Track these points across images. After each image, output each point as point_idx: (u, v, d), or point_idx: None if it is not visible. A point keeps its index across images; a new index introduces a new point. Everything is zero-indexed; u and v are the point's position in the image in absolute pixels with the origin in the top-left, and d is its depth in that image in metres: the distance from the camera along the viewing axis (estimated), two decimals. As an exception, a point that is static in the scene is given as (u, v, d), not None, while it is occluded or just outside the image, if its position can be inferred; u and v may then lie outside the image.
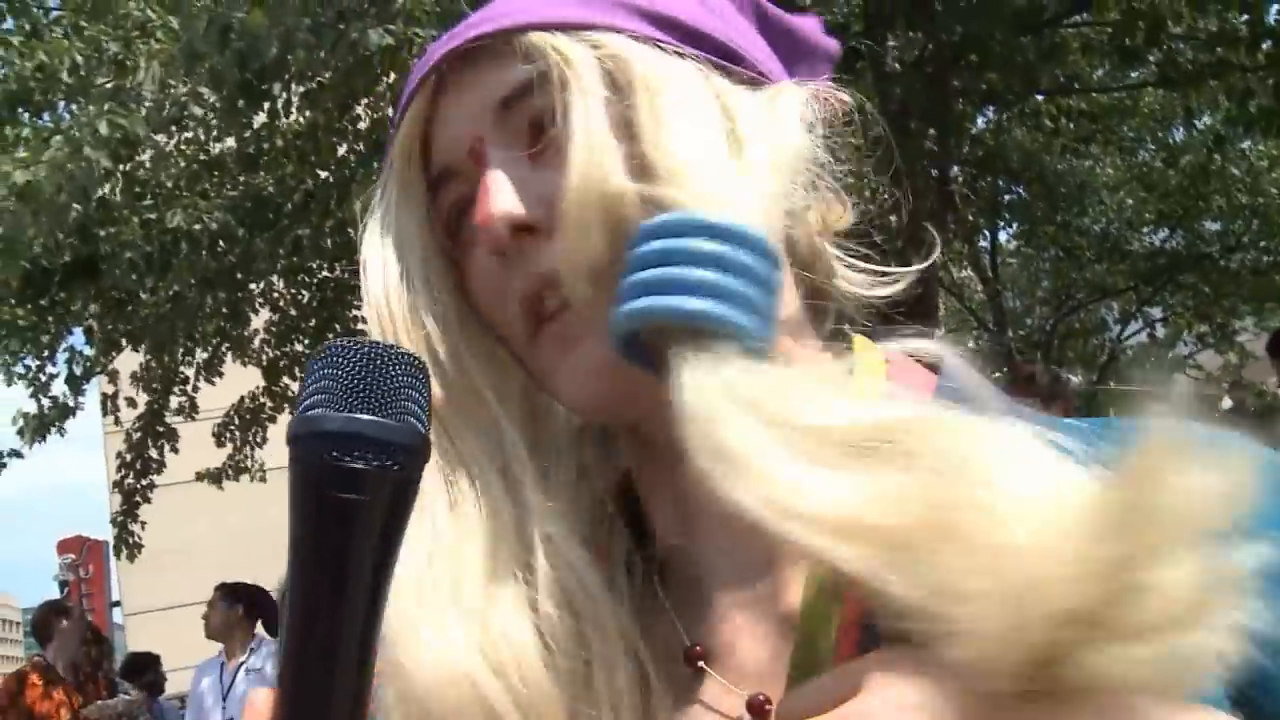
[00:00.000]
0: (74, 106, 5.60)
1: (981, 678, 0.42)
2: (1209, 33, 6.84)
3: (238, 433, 8.24)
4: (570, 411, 0.66)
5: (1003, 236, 13.34)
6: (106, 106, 4.86)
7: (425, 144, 0.65)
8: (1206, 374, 17.32)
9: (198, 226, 6.16)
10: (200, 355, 7.80)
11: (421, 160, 0.65)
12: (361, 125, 6.44)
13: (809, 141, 0.60)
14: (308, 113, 6.03)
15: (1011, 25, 6.09)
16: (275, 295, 7.86)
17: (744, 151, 0.58)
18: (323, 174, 6.50)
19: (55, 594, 13.69)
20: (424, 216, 0.65)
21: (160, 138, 5.90)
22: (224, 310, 7.27)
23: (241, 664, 5.58)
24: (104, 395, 8.09)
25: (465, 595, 0.59)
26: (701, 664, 0.60)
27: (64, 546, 14.84)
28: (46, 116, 5.91)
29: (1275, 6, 6.24)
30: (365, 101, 6.15)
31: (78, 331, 7.20)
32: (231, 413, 8.28)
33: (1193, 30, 7.01)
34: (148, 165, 6.10)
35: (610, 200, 0.56)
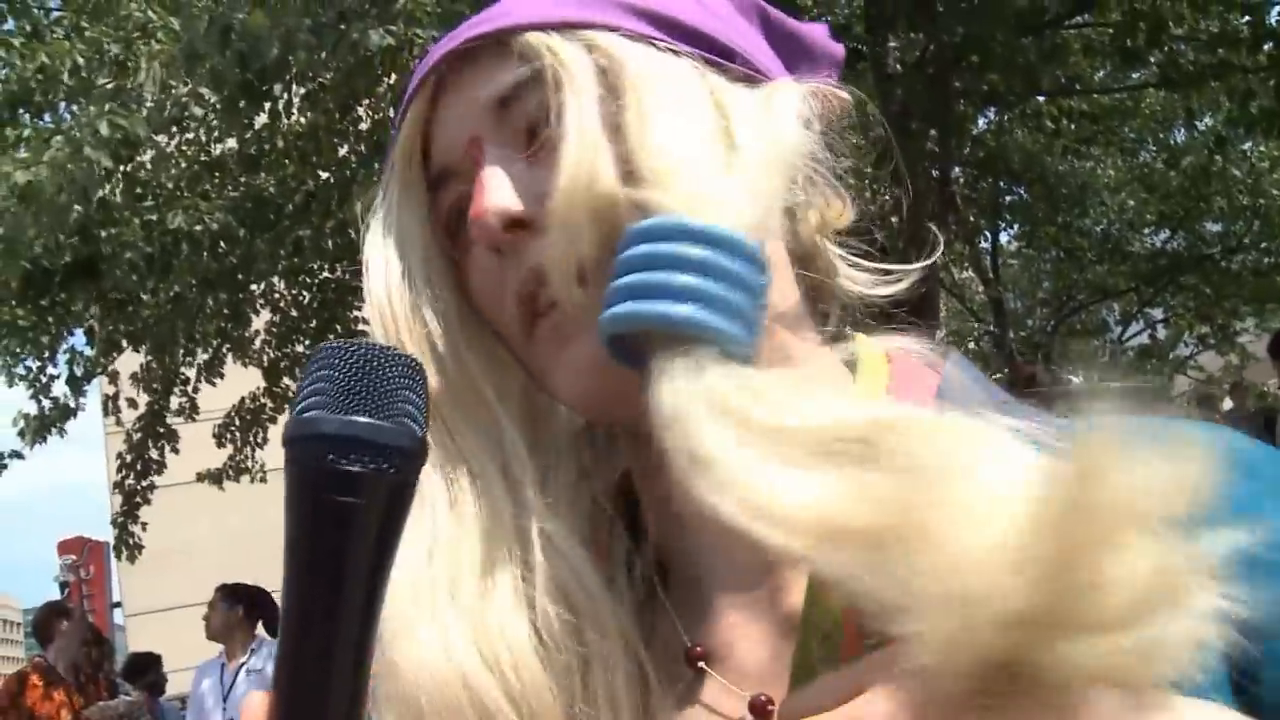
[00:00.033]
0: (75, 107, 5.61)
1: (940, 681, 0.42)
2: (1210, 34, 6.84)
3: (238, 433, 8.24)
4: (569, 410, 0.66)
5: (1004, 237, 13.36)
6: (107, 107, 4.86)
7: (426, 145, 0.65)
8: (1208, 375, 17.33)
9: (199, 227, 6.17)
10: (201, 356, 7.80)
11: (422, 161, 0.66)
12: (363, 126, 6.44)
13: (805, 138, 0.60)
14: (309, 113, 6.04)
15: (1013, 26, 6.09)
16: (276, 296, 7.87)
17: (736, 149, 0.58)
18: (324, 175, 6.50)
19: (56, 595, 13.69)
20: (425, 217, 0.65)
21: (161, 138, 5.91)
22: (225, 311, 7.27)
23: (242, 665, 5.58)
24: (105, 396, 8.09)
25: (463, 593, 0.59)
26: (702, 664, 0.60)
27: (65, 547, 14.82)
28: (47, 117, 5.91)
29: (1277, 8, 6.25)
30: (366, 102, 6.15)
31: (78, 332, 7.21)
32: (232, 413, 8.28)
33: (1194, 31, 7.01)
34: (148, 166, 6.11)
35: (599, 201, 0.56)
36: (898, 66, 6.24)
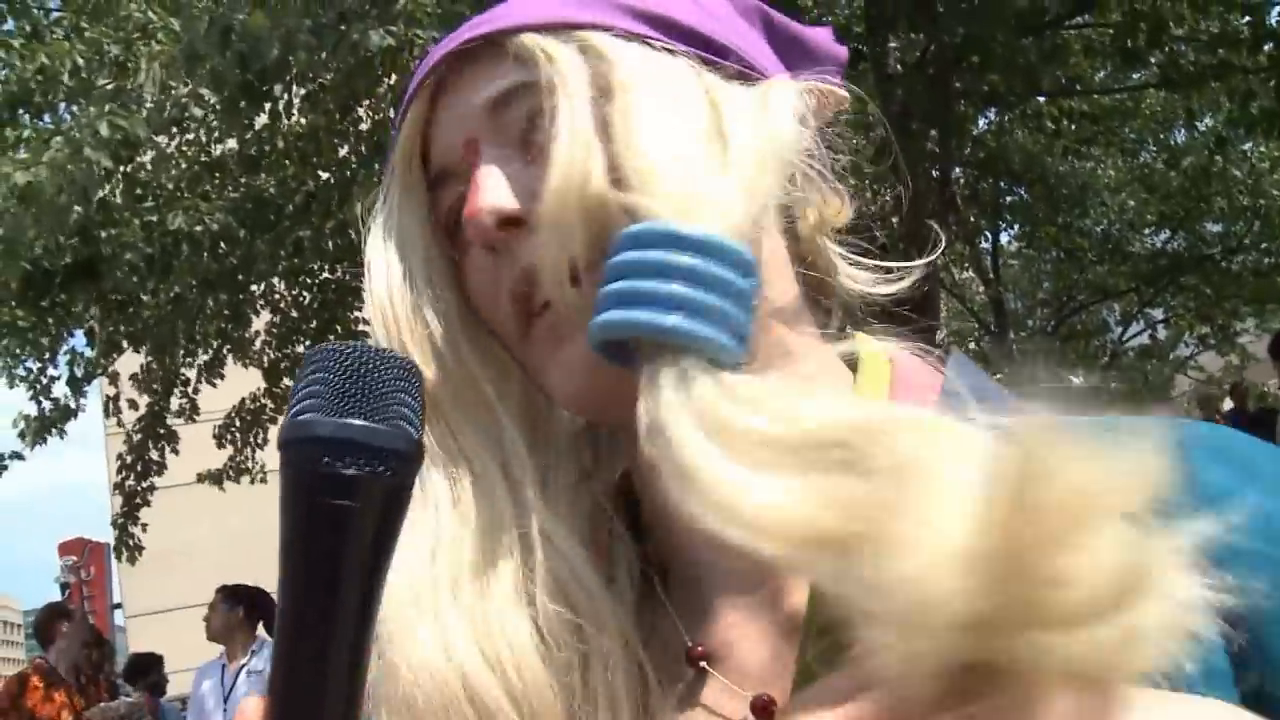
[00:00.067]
0: (75, 108, 5.61)
1: (909, 686, 0.42)
2: (1211, 34, 6.84)
3: (238, 434, 8.25)
4: (564, 409, 0.66)
5: (1004, 238, 13.36)
6: (107, 108, 4.86)
7: (425, 147, 0.66)
8: (1208, 376, 17.34)
9: (199, 228, 6.17)
10: (201, 357, 7.80)
11: (422, 163, 0.66)
12: (363, 127, 6.44)
13: (801, 134, 0.60)
14: (309, 114, 6.04)
15: (1013, 27, 6.09)
16: (276, 297, 7.87)
17: (730, 146, 0.58)
18: (324, 175, 6.51)
19: (57, 596, 13.71)
20: (425, 218, 0.66)
21: (161, 139, 5.91)
22: (225, 312, 7.27)
23: (243, 666, 5.58)
24: (106, 397, 8.09)
25: (463, 592, 0.59)
26: (704, 664, 0.60)
27: (65, 548, 14.84)
28: (47, 118, 5.91)
29: (1277, 9, 6.25)
30: (366, 103, 6.16)
31: (78, 333, 7.21)
32: (232, 414, 8.28)
33: (1194, 32, 7.01)
34: (148, 167, 6.11)
35: (590, 201, 0.56)
36: (898, 67, 6.24)
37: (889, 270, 0.69)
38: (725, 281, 0.53)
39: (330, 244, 6.61)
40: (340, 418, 0.45)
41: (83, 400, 7.25)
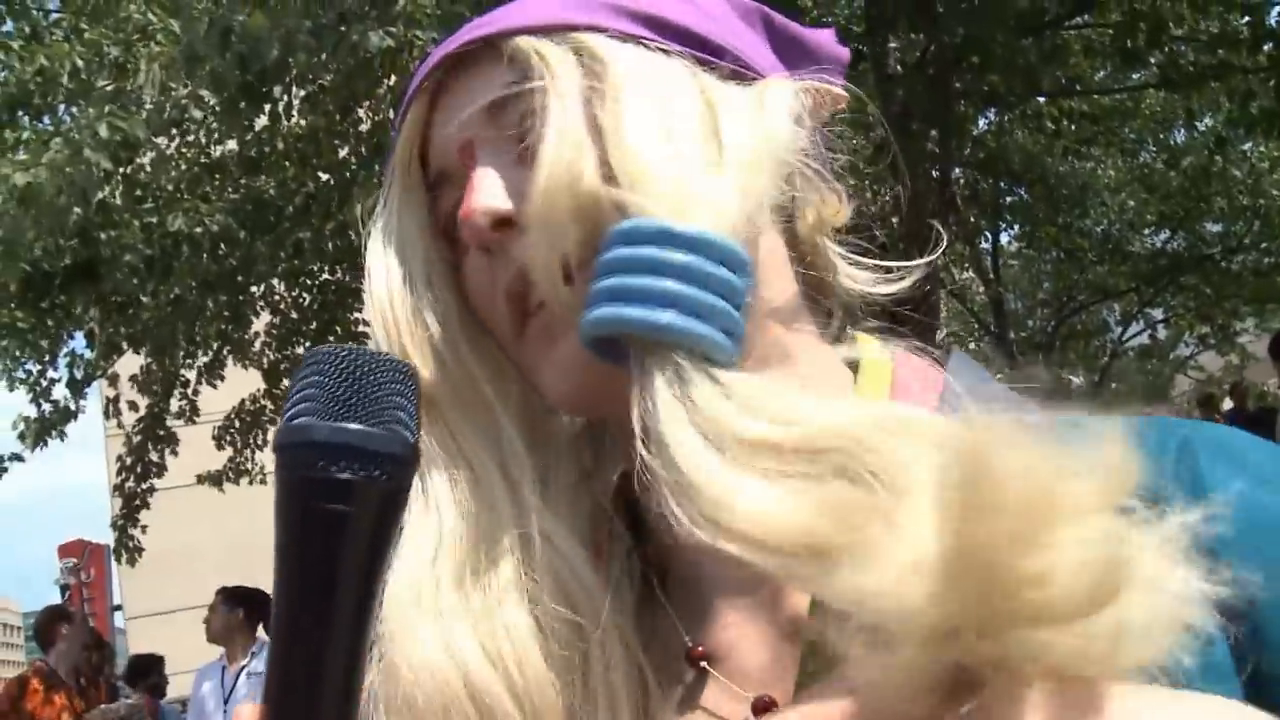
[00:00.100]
0: (74, 109, 5.61)
1: (893, 694, 0.42)
2: (1210, 34, 6.85)
3: (238, 435, 8.24)
4: (557, 408, 0.66)
5: (1004, 238, 13.37)
6: (107, 109, 4.86)
7: (425, 149, 0.66)
8: (1208, 375, 17.35)
9: (198, 229, 6.17)
10: (201, 358, 7.80)
11: (421, 165, 0.66)
12: (363, 128, 6.44)
13: (797, 133, 0.60)
14: (309, 115, 6.04)
15: (1013, 27, 6.09)
16: (276, 298, 7.87)
17: (723, 147, 0.58)
18: (324, 177, 6.51)
19: (56, 598, 13.70)
20: (425, 221, 0.66)
21: (161, 140, 5.91)
22: (225, 313, 7.27)
23: (243, 668, 5.57)
24: (106, 399, 8.09)
25: (464, 591, 0.59)
26: (704, 665, 0.60)
27: (65, 550, 14.82)
28: (47, 119, 5.91)
29: (1276, 9, 6.26)
30: (366, 104, 6.15)
31: (78, 335, 7.21)
32: (232, 415, 8.28)
33: (1194, 32, 7.02)
34: (148, 168, 6.11)
35: (581, 200, 0.57)
36: (898, 67, 6.24)
37: (889, 270, 0.69)
38: (718, 278, 0.53)
39: (330, 245, 6.61)
40: (336, 422, 0.44)
41: (82, 402, 7.26)
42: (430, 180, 0.66)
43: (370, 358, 0.47)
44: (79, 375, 7.20)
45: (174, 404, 7.96)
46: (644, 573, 0.65)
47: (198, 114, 5.46)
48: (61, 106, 5.78)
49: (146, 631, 15.88)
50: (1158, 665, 0.41)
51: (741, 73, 0.63)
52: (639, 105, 0.58)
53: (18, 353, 6.93)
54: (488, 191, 0.60)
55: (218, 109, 5.21)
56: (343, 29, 4.58)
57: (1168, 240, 13.38)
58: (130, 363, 7.76)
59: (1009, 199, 11.63)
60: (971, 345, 13.70)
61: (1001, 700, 0.41)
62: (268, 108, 5.48)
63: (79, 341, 7.26)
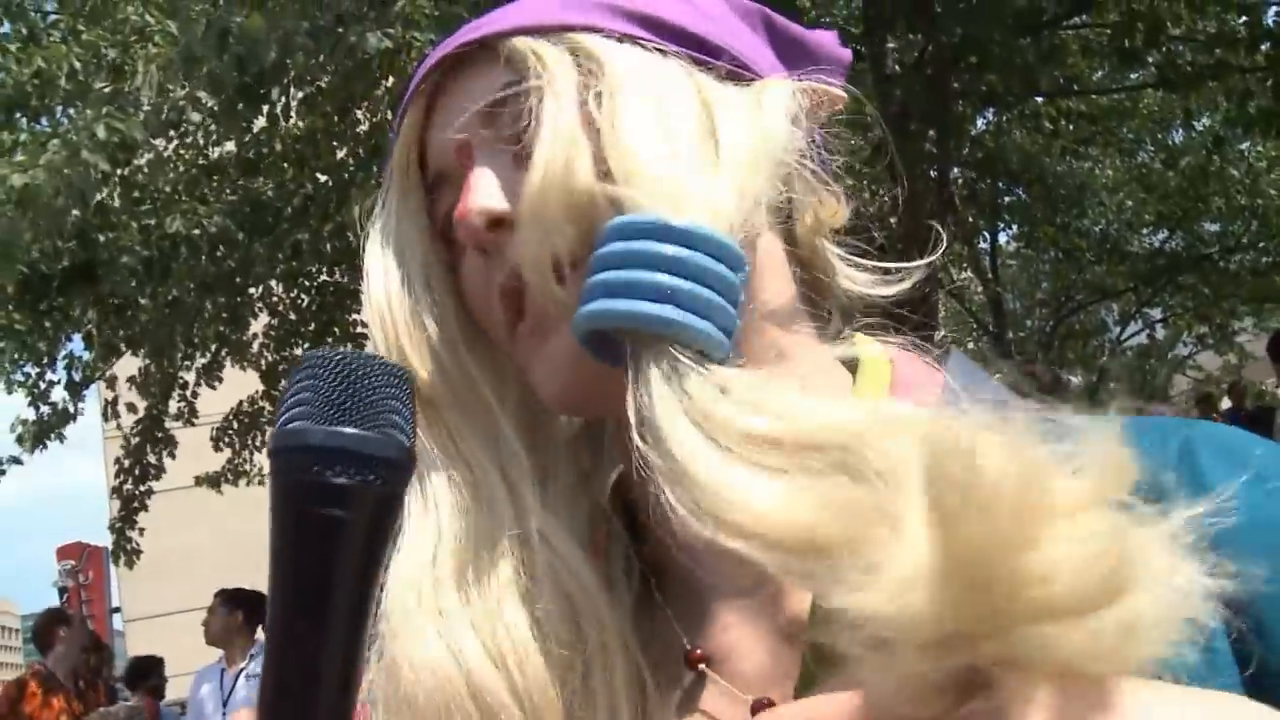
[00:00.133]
0: (71, 111, 5.61)
1: (898, 698, 0.42)
2: (1208, 34, 6.86)
3: (235, 437, 8.24)
4: (549, 406, 0.66)
5: (1002, 238, 13.38)
6: (104, 111, 4.86)
7: (423, 151, 0.66)
8: (1206, 374, 17.36)
9: (196, 231, 6.17)
10: (199, 360, 7.80)
11: (419, 167, 0.66)
12: (360, 129, 6.44)
13: (793, 134, 0.60)
14: (307, 117, 6.04)
15: (1011, 27, 6.09)
16: (274, 299, 7.87)
17: (720, 146, 0.58)
18: (322, 178, 6.51)
19: (55, 600, 13.69)
20: (423, 222, 0.66)
21: (158, 142, 5.91)
22: (223, 315, 7.27)
23: (242, 670, 5.56)
24: (105, 401, 8.09)
25: (466, 592, 0.59)
26: (703, 667, 0.60)
27: (63, 552, 14.82)
28: (44, 121, 5.91)
29: (1273, 8, 6.27)
30: (364, 105, 6.16)
31: (76, 337, 7.20)
32: (230, 417, 8.28)
33: (1192, 32, 7.03)
34: (146, 170, 6.11)
35: (575, 197, 0.56)
36: (896, 67, 6.24)
37: (888, 271, 0.69)
38: (715, 274, 0.53)
39: (328, 247, 6.61)
40: (330, 425, 0.44)
41: (81, 404, 7.25)
42: (428, 182, 0.65)
43: (365, 361, 0.47)
44: (77, 377, 7.19)
45: (172, 406, 7.95)
46: (642, 573, 0.65)
47: (195, 116, 5.45)
48: (59, 108, 5.78)
49: (145, 634, 15.87)
50: (1162, 660, 0.41)
51: (739, 73, 0.63)
52: (635, 104, 0.58)
53: (16, 355, 6.92)
54: (484, 192, 0.60)
55: (215, 110, 5.21)
56: (340, 30, 4.58)
57: (1166, 240, 13.40)
58: (128, 365, 7.76)
59: (1007, 199, 11.64)
60: (970, 345, 13.71)
61: (1013, 700, 0.41)
62: (265, 109, 5.48)
63: (77, 344, 7.27)
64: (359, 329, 7.29)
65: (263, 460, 8.31)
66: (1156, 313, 15.25)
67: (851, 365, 0.66)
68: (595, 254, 0.55)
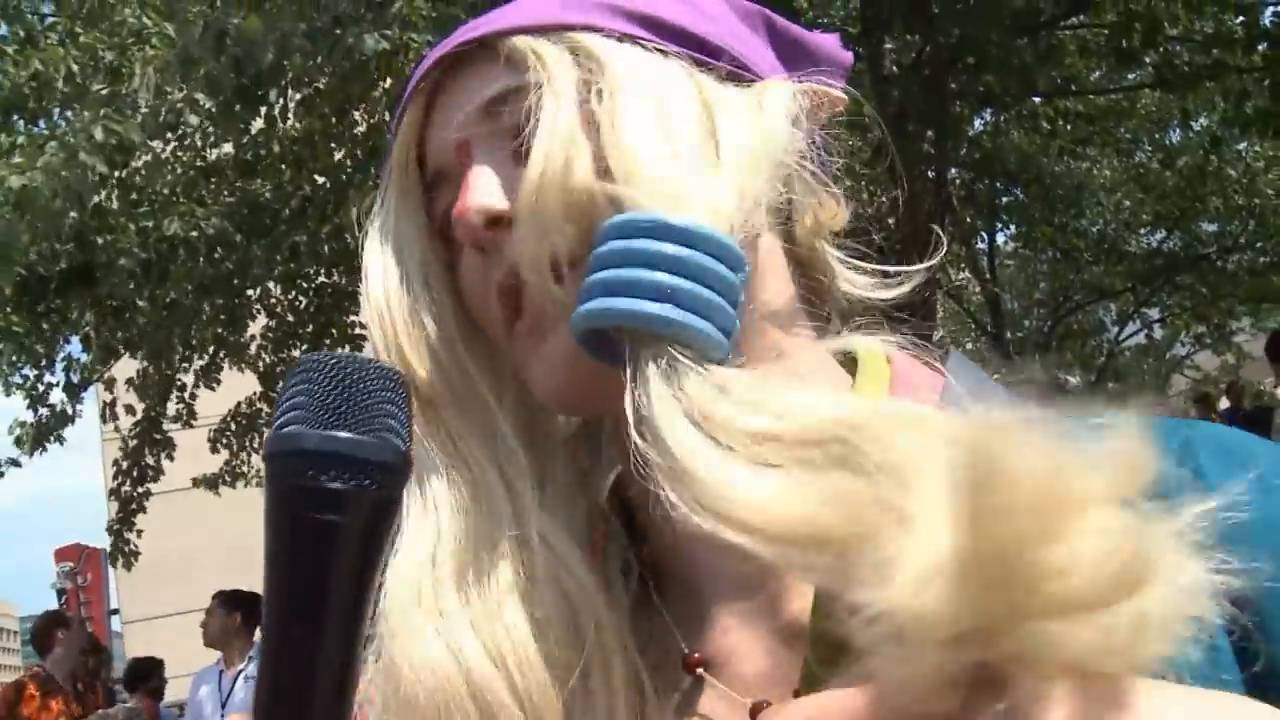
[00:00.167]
0: (69, 113, 5.60)
1: (912, 695, 0.42)
2: (1205, 35, 6.86)
3: (233, 439, 8.23)
4: (546, 405, 0.65)
5: (1000, 238, 13.38)
6: (102, 113, 4.85)
7: (422, 150, 0.66)
8: (1204, 374, 17.37)
9: (194, 233, 6.17)
10: (198, 362, 7.79)
11: (418, 166, 0.66)
12: (358, 131, 6.44)
13: (794, 136, 0.60)
14: (304, 118, 6.04)
15: (1009, 27, 6.10)
16: (272, 301, 7.86)
17: (720, 148, 0.58)
18: (319, 180, 6.51)
19: (53, 602, 13.68)
20: (422, 221, 0.66)
21: (156, 144, 5.91)
22: (221, 316, 7.27)
23: (240, 671, 5.56)
24: (103, 403, 8.08)
25: (466, 593, 0.59)
26: (701, 671, 0.60)
27: (62, 554, 14.80)
28: (42, 123, 5.91)
29: (1270, 9, 6.27)
30: (362, 107, 6.16)
31: (74, 339, 7.20)
32: (228, 418, 8.27)
33: (1189, 32, 7.03)
34: (143, 172, 6.10)
35: (573, 195, 0.56)
36: (894, 68, 6.24)
37: (887, 275, 0.69)
38: (714, 273, 0.53)
39: (326, 248, 6.61)
40: (325, 430, 0.44)
41: (79, 407, 7.25)
42: (427, 180, 0.65)
43: (361, 365, 0.47)
44: (75, 379, 7.19)
45: (171, 408, 7.95)
46: (640, 575, 0.65)
47: (193, 118, 5.45)
48: (56, 110, 5.78)
49: (143, 635, 15.86)
50: (1170, 659, 0.41)
51: (740, 74, 0.62)
52: (636, 103, 0.58)
53: (14, 357, 6.92)
54: (483, 190, 0.60)
55: (213, 112, 5.21)
56: (338, 32, 4.58)
57: (1163, 240, 13.40)
58: (126, 367, 7.75)
59: (1005, 199, 11.64)
60: (968, 345, 13.72)
61: (1027, 698, 0.41)
62: (263, 111, 5.48)
63: (75, 346, 7.26)
64: (357, 330, 7.28)
65: (260, 462, 8.29)
66: (1154, 313, 15.26)
67: (850, 365, 0.66)
68: (594, 252, 0.54)
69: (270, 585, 0.44)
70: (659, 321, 0.52)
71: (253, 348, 7.95)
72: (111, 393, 7.93)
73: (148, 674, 7.27)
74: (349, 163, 6.45)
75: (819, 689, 0.51)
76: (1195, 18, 6.78)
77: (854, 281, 0.68)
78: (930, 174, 6.38)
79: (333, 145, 6.39)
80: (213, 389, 7.90)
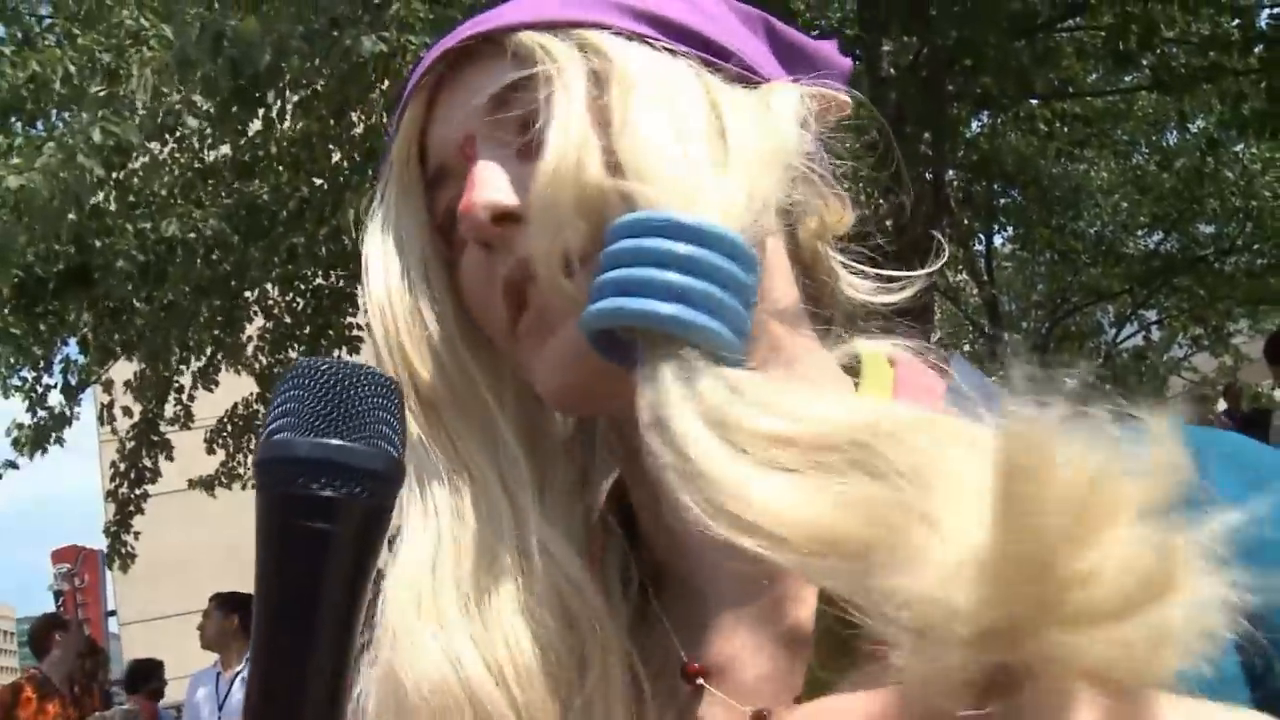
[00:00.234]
0: (67, 114, 5.60)
1: (931, 693, 0.42)
2: (1202, 37, 6.86)
3: (230, 440, 8.21)
4: (549, 404, 0.65)
5: (998, 240, 13.37)
6: (100, 114, 4.85)
7: (423, 146, 0.65)
8: (1202, 376, 17.37)
9: (192, 235, 6.16)
10: (195, 363, 7.78)
11: (420, 162, 0.65)
12: (356, 132, 6.43)
13: (802, 138, 0.60)
14: (302, 120, 6.03)
15: (1006, 29, 6.10)
16: (270, 303, 7.84)
17: (729, 147, 0.57)
18: (317, 181, 6.50)
19: (50, 604, 13.65)
20: (423, 218, 0.65)
21: (154, 145, 5.90)
22: (218, 318, 7.25)
23: (238, 674, 5.55)
24: (100, 405, 8.06)
25: (466, 601, 0.59)
26: (700, 680, 0.59)
27: (58, 556, 14.76)
28: (40, 125, 5.90)
29: (1266, 11, 6.27)
30: (359, 109, 6.14)
31: (72, 341, 7.19)
32: (224, 420, 8.26)
33: (1185, 34, 7.03)
34: (141, 173, 6.10)
35: (585, 192, 0.56)
36: (891, 70, 6.24)
37: (890, 279, 0.68)
38: (727, 273, 0.52)
39: (323, 250, 6.60)
40: (317, 437, 0.43)
41: (77, 408, 7.23)
42: (429, 177, 0.65)
43: (353, 371, 0.46)
44: (73, 381, 7.18)
45: (168, 410, 7.93)
46: (640, 582, 0.64)
47: (191, 120, 5.44)
48: (54, 112, 5.77)
49: (141, 637, 15.82)
50: (1184, 673, 0.41)
51: (746, 76, 0.62)
52: (647, 102, 0.57)
53: (12, 359, 6.90)
54: (490, 185, 0.59)
55: (210, 114, 5.21)
56: (335, 34, 4.58)
57: (1161, 242, 13.39)
58: (124, 369, 7.74)
59: (1002, 201, 11.63)
60: (966, 347, 13.71)
61: (1043, 704, 0.41)
62: (260, 113, 5.48)
63: (72, 348, 7.25)
64: (354, 332, 7.28)
65: (258, 464, 8.27)
66: (1152, 315, 15.25)
67: (853, 369, 0.66)
68: (606, 250, 0.54)
69: (261, 593, 0.44)
70: (672, 322, 0.51)
71: (250, 349, 7.94)
72: (109, 395, 7.91)
73: (149, 675, 7.26)
74: (346, 165, 6.44)
75: (822, 695, 0.51)
76: (1192, 20, 6.78)
77: (857, 286, 0.68)
78: (928, 176, 6.38)
79: (330, 147, 6.38)
80: (210, 390, 7.89)
